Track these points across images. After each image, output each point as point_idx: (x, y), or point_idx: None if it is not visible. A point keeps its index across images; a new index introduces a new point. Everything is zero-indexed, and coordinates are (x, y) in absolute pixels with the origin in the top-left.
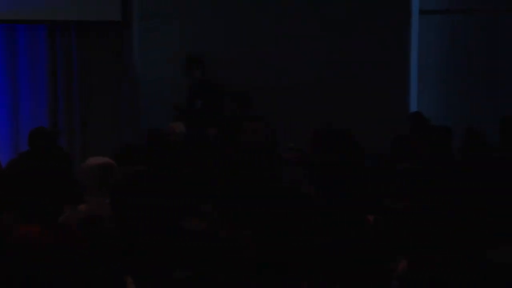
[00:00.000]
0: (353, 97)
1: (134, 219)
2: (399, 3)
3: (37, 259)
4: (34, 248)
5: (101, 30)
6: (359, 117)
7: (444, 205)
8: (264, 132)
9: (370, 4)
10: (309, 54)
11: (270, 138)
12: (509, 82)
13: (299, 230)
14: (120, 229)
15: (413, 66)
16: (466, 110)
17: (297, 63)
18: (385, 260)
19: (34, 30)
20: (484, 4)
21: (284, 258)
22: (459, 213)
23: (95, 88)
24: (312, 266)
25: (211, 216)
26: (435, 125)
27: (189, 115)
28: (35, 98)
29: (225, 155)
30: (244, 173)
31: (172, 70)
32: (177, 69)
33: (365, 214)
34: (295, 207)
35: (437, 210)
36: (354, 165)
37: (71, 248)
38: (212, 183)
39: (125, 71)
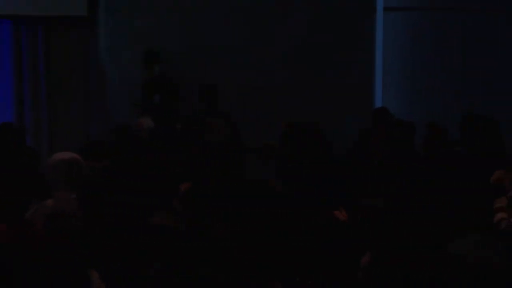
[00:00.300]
0: (319, 93)
1: (102, 215)
2: (363, 0)
3: (3, 256)
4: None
5: (67, 25)
6: (325, 113)
7: (406, 200)
8: (225, 129)
9: (335, 1)
10: (275, 51)
11: (231, 135)
12: (472, 78)
13: (265, 225)
14: (87, 224)
15: (377, 62)
16: (430, 106)
17: (263, 59)
18: (355, 254)
19: None
20: (447, 2)
21: (251, 254)
22: (421, 207)
23: (62, 83)
24: (280, 262)
25: (179, 212)
26: (399, 120)
27: (149, 111)
28: (1, 95)
29: (187, 152)
30: (208, 170)
31: (139, 66)
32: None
33: (331, 208)
34: (261, 203)
35: (400, 205)
36: (321, 160)
37: (36, 244)
38: (179, 179)
39: (92, 66)
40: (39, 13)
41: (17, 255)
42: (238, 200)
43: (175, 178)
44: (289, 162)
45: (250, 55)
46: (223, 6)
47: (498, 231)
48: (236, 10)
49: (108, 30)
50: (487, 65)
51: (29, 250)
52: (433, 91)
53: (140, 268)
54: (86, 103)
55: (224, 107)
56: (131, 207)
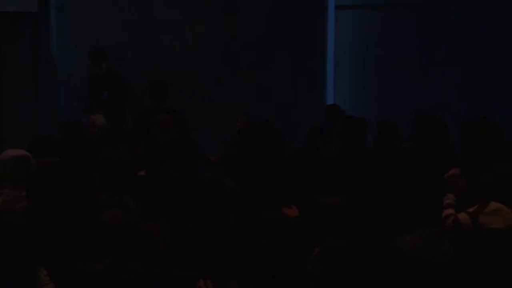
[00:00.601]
0: (270, 91)
1: (51, 211)
2: None
3: None
4: None
5: (18, 22)
6: (277, 110)
7: (358, 196)
8: (172, 125)
9: (287, 0)
10: (227, 48)
11: (179, 131)
12: (425, 75)
13: (219, 224)
14: (36, 221)
15: (329, 60)
16: (382, 103)
17: (214, 57)
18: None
19: None
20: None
21: (205, 253)
22: (372, 203)
23: (13, 80)
24: (234, 261)
25: (131, 208)
26: (351, 117)
27: (96, 107)
28: None
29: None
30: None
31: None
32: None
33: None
34: (213, 201)
35: (352, 201)
36: (278, 157)
37: None
38: (130, 177)
39: (42, 62)
40: None
41: None
42: (188, 199)
43: (126, 175)
44: (247, 160)
45: (198, 53)
46: (171, 4)
47: (445, 226)
48: (185, 6)
49: (58, 27)
50: (441, 61)
51: None
52: (385, 88)
53: (90, 265)
54: (36, 99)
55: (173, 104)
56: (82, 203)
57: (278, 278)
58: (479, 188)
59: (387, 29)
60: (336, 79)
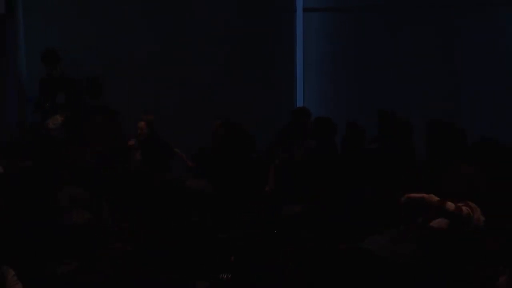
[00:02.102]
0: (239, 92)
1: (19, 212)
2: (283, 1)
3: None
4: None
5: None
6: (245, 111)
7: (325, 199)
8: (108, 125)
9: (255, 2)
10: (194, 50)
11: (115, 132)
12: (388, 76)
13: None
14: (4, 221)
15: (298, 61)
16: (350, 104)
17: (184, 58)
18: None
19: None
20: (363, 1)
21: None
22: (339, 203)
23: None
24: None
25: (97, 209)
26: (319, 118)
27: (49, 109)
28: None
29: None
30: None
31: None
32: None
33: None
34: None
35: (320, 203)
36: (244, 158)
37: None
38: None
39: (10, 64)
40: None
41: None
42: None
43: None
44: (218, 161)
45: (168, 54)
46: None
47: (414, 226)
48: (150, 8)
49: (26, 28)
50: (406, 62)
51: None
52: (353, 89)
53: (57, 266)
54: (3, 101)
55: (135, 106)
56: (49, 205)
57: (251, 277)
58: (441, 188)
59: (355, 31)
60: (305, 81)
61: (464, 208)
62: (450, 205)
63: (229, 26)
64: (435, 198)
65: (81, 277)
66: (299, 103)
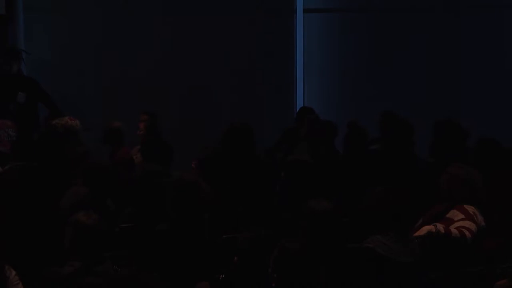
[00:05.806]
0: (239, 94)
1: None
2: (283, 2)
3: None
4: None
5: None
6: (246, 113)
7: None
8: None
9: (255, 3)
10: (196, 53)
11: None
12: (389, 76)
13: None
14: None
15: (298, 63)
16: (352, 105)
17: (185, 61)
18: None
19: None
20: (364, 2)
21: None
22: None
23: None
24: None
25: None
26: (320, 120)
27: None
28: None
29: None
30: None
31: None
32: None
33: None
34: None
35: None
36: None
37: None
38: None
39: None
40: None
41: None
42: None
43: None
44: (219, 162)
45: (168, 55)
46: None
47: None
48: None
49: (26, 28)
50: (409, 62)
51: None
52: (353, 89)
53: (60, 266)
54: None
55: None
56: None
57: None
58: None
59: (355, 32)
60: (305, 81)
61: (467, 233)
62: (454, 232)
63: (229, 26)
64: (441, 228)
65: (82, 279)
66: (299, 103)
